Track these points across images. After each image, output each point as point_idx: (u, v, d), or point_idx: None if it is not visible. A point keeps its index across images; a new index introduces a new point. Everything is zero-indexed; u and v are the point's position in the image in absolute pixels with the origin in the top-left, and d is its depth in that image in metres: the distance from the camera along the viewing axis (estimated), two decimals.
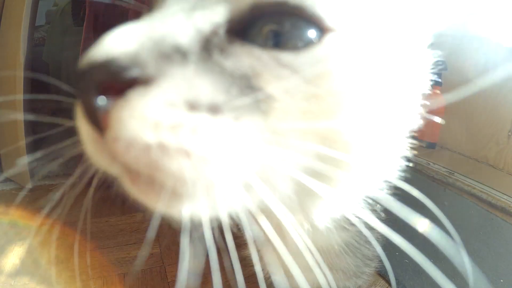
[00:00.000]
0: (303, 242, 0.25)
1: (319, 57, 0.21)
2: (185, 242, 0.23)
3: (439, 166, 1.16)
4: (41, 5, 0.97)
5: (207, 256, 0.24)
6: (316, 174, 0.24)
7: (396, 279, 0.57)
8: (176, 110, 0.19)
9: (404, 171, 0.39)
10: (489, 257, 0.69)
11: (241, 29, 0.22)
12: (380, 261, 0.42)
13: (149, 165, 0.19)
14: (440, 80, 1.39)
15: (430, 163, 1.20)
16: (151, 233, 0.26)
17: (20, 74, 0.82)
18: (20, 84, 0.82)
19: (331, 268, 0.39)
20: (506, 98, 1.17)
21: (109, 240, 0.69)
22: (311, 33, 0.21)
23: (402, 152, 0.35)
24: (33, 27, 0.91)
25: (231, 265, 0.23)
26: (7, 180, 0.90)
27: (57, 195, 0.35)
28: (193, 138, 0.19)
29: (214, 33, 0.21)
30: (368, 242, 0.39)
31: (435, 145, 1.43)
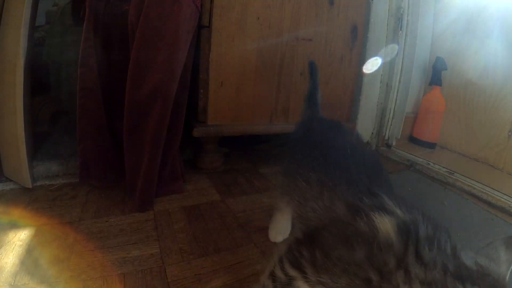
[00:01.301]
0: None
1: None
2: None
3: (439, 166, 1.17)
4: (41, 5, 0.97)
5: None
6: None
7: None
8: None
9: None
10: None
11: None
12: None
13: None
14: (440, 80, 1.39)
15: (430, 163, 1.20)
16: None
17: (20, 74, 0.82)
18: (20, 84, 0.82)
19: None
20: (506, 98, 1.17)
21: (109, 240, 0.69)
22: None
23: None
24: (33, 27, 0.90)
25: None
26: (7, 180, 0.90)
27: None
28: None
29: None
30: None
31: (435, 145, 1.43)
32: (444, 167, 1.16)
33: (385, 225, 0.29)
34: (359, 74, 1.34)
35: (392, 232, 0.28)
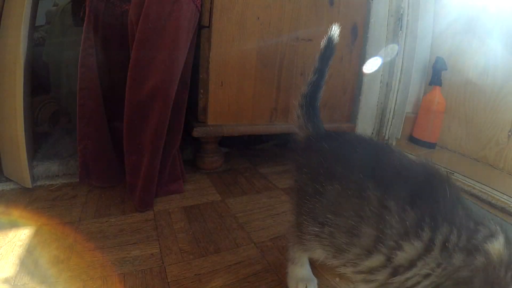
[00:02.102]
0: None
1: None
2: None
3: (439, 166, 1.17)
4: (41, 5, 0.97)
5: None
6: None
7: None
8: None
9: None
10: None
11: None
12: None
13: None
14: (440, 80, 1.39)
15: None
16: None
17: (20, 74, 0.82)
18: (20, 84, 0.82)
19: None
20: (506, 98, 1.17)
21: (109, 240, 0.69)
22: None
23: None
24: (33, 27, 0.90)
25: None
26: (7, 180, 0.90)
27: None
28: None
29: None
30: None
31: (435, 145, 1.43)
32: (444, 167, 1.16)
33: (496, 247, 0.32)
34: (359, 74, 1.34)
35: (502, 249, 0.31)
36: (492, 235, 0.33)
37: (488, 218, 0.36)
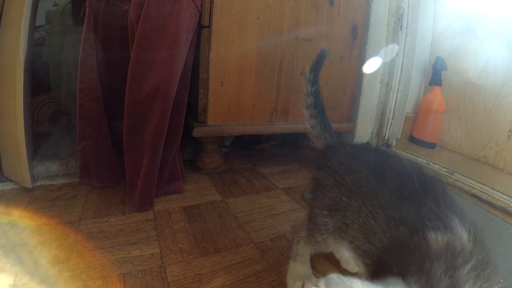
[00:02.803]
0: None
1: None
2: None
3: (439, 166, 1.17)
4: (41, 5, 0.97)
5: None
6: None
7: None
8: None
9: None
10: None
11: None
12: None
13: None
14: (440, 80, 1.39)
15: (430, 163, 1.20)
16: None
17: (20, 74, 0.82)
18: (20, 84, 0.82)
19: None
20: (506, 98, 1.17)
21: (109, 240, 0.69)
22: None
23: None
24: (33, 27, 0.91)
25: None
26: (7, 180, 0.90)
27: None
28: None
29: None
30: None
31: (435, 145, 1.43)
32: (444, 167, 1.16)
33: (435, 238, 0.34)
34: (359, 74, 1.34)
35: (439, 244, 0.33)
36: (441, 230, 0.35)
37: (462, 221, 0.38)
